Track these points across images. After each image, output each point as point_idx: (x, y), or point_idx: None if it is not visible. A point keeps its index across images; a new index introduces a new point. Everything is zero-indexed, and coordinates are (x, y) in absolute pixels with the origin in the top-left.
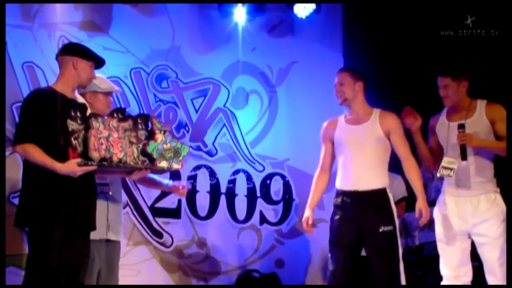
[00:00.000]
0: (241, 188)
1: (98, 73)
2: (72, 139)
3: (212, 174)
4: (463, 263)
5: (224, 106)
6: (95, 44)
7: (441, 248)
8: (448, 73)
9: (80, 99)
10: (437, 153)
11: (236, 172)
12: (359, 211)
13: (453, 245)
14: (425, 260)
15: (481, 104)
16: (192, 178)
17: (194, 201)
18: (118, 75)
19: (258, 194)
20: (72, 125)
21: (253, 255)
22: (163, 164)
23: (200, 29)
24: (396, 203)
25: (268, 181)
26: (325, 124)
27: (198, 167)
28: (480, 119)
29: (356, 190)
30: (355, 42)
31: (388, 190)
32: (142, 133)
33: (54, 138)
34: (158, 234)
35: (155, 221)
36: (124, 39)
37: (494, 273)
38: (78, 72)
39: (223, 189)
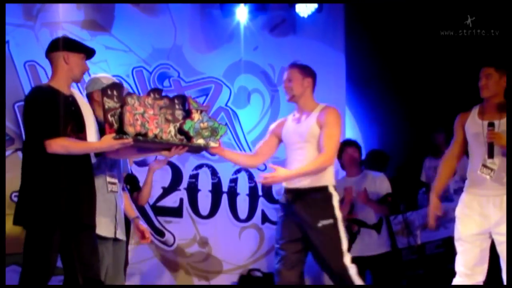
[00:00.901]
0: (243, 187)
1: (103, 72)
2: (109, 116)
3: (214, 173)
4: (480, 262)
5: (226, 105)
6: (97, 43)
7: (460, 245)
8: (493, 64)
9: (77, 95)
10: (461, 150)
11: (238, 171)
12: (299, 208)
13: (473, 244)
14: (427, 259)
15: None
16: (194, 177)
17: (196, 200)
18: (120, 74)
19: (260, 193)
20: (108, 102)
21: (255, 254)
22: (200, 141)
23: (202, 28)
24: (381, 200)
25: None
26: (275, 123)
27: (200, 166)
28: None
29: (298, 188)
30: (357, 41)
31: (331, 188)
32: (179, 113)
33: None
34: (159, 233)
35: (157, 220)
36: (126, 38)
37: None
38: (71, 66)
39: (225, 188)
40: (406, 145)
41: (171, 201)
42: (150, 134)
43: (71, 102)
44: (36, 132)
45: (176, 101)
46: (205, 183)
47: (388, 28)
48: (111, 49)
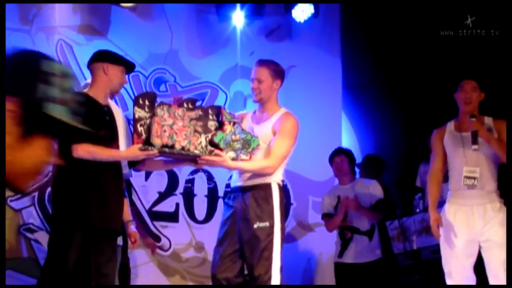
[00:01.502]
0: None
1: None
2: (138, 125)
3: (210, 178)
4: (468, 274)
5: None
6: (93, 47)
7: (449, 255)
8: (474, 77)
9: (113, 106)
10: (443, 163)
11: None
12: (239, 205)
13: (460, 253)
14: (423, 264)
15: (488, 120)
16: (190, 182)
17: (192, 205)
18: None
19: None
20: (139, 112)
21: None
22: (230, 154)
23: (198, 33)
24: (374, 207)
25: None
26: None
27: (195, 171)
28: (491, 132)
29: (240, 185)
30: (353, 46)
31: (274, 186)
32: (212, 124)
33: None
34: (155, 238)
35: (153, 224)
36: (123, 42)
37: (498, 277)
38: (109, 77)
39: (221, 193)
40: (402, 151)
41: (167, 206)
42: (177, 146)
43: (106, 111)
44: (66, 136)
45: (210, 111)
46: (201, 188)
47: (385, 33)
48: None
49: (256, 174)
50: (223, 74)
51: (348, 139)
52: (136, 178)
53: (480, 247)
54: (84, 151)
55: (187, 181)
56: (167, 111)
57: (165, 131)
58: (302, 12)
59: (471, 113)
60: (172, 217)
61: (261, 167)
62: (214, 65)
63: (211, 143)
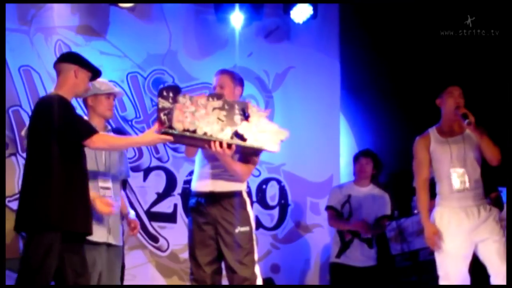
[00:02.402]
0: None
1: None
2: (162, 114)
3: None
4: (465, 276)
5: None
6: (92, 48)
7: (445, 259)
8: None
9: None
10: (429, 171)
11: None
12: (215, 211)
13: (457, 256)
14: (420, 265)
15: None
16: (188, 183)
17: None
18: (115, 79)
19: (254, 199)
20: (163, 103)
21: None
22: (255, 143)
23: (197, 34)
24: (379, 219)
25: (264, 186)
26: None
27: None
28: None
29: (212, 191)
30: (351, 48)
31: (245, 194)
32: (238, 118)
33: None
34: (154, 239)
35: (151, 225)
36: (121, 43)
37: (498, 274)
38: (78, 81)
39: None
40: (400, 151)
41: (165, 206)
42: (199, 131)
43: None
44: (75, 132)
45: (237, 106)
46: None
47: (384, 34)
48: (106, 54)
49: (229, 181)
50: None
51: (346, 140)
52: (134, 179)
53: (476, 248)
54: (101, 141)
55: (185, 182)
56: (189, 99)
57: (186, 117)
58: (300, 13)
59: (443, 125)
60: (170, 218)
61: (241, 173)
62: (213, 66)
63: (236, 134)
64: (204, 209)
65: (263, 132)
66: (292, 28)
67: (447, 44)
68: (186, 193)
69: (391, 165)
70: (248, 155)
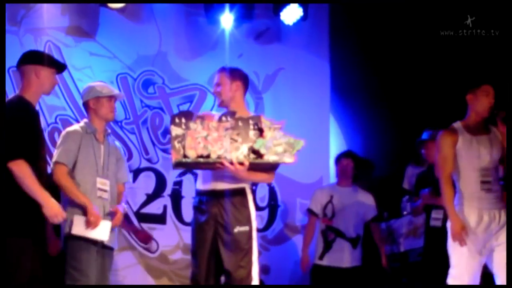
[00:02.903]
0: None
1: (98, 81)
2: (175, 142)
3: None
4: (478, 277)
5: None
6: (81, 49)
7: (464, 258)
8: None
9: None
10: (453, 166)
11: None
12: (215, 210)
13: (478, 257)
14: (410, 267)
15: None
16: (178, 184)
17: (179, 207)
18: (105, 80)
19: None
20: (175, 130)
21: None
22: (272, 157)
23: (187, 35)
24: (369, 223)
25: (253, 187)
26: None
27: (183, 173)
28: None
29: (215, 189)
30: (341, 49)
31: (248, 190)
32: (253, 133)
33: (37, 149)
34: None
35: (141, 226)
36: (111, 44)
37: (502, 276)
38: (41, 80)
39: None
40: (389, 153)
41: (154, 207)
42: (213, 155)
43: (38, 117)
44: (6, 148)
45: (251, 121)
46: (189, 189)
47: (374, 36)
48: (96, 55)
49: (231, 178)
50: (212, 76)
51: (336, 142)
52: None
53: (491, 252)
54: (17, 169)
55: (175, 183)
56: (200, 124)
57: (199, 142)
58: (290, 15)
59: (473, 121)
60: (159, 219)
61: (266, 178)
62: (203, 67)
63: (253, 150)
64: (205, 208)
65: (279, 145)
66: (282, 29)
67: (447, 44)
68: (176, 194)
69: (381, 166)
70: (266, 170)
